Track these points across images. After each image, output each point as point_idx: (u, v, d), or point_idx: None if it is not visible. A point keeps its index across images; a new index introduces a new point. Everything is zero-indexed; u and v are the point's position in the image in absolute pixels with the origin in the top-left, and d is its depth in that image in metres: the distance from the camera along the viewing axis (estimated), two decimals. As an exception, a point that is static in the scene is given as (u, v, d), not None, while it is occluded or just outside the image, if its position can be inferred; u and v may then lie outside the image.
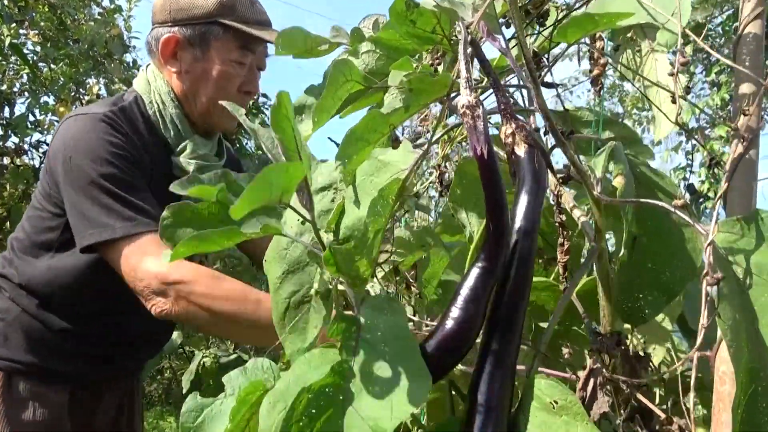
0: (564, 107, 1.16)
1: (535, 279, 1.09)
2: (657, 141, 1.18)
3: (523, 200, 0.78)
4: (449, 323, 0.75)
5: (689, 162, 9.06)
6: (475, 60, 0.78)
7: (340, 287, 0.93)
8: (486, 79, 0.82)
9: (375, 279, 1.37)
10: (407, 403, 0.69)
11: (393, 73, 0.86)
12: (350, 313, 0.86)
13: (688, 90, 0.87)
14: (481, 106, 0.73)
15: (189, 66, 1.75)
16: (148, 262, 1.51)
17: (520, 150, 0.78)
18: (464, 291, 0.76)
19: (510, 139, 0.78)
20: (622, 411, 0.87)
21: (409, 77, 0.79)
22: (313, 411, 0.71)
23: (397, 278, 1.24)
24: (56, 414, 1.73)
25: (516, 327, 0.75)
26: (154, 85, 1.78)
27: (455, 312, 0.75)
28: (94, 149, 1.60)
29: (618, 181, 0.89)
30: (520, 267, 0.76)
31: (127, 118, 1.71)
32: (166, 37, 1.74)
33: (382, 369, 0.74)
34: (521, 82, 0.83)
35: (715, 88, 8.42)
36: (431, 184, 1.49)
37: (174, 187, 0.92)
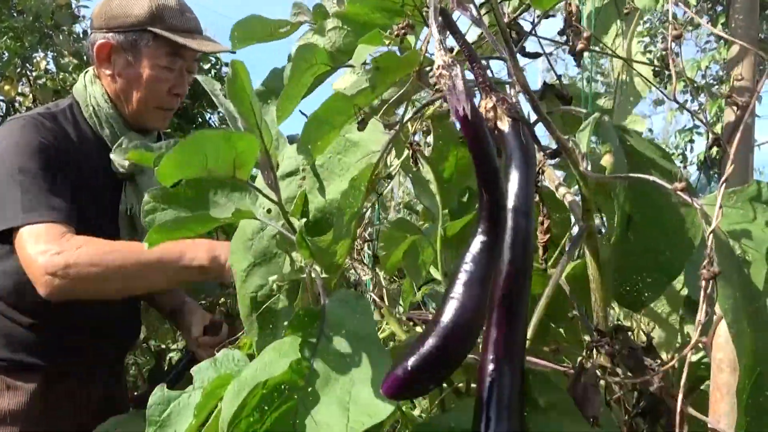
0: (556, 74, 1.17)
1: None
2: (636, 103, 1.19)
3: (515, 177, 0.76)
4: (452, 311, 0.68)
5: (695, 124, 9.10)
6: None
7: (313, 275, 0.94)
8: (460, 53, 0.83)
9: (353, 266, 1.39)
10: (366, 415, 0.69)
11: (360, 48, 0.87)
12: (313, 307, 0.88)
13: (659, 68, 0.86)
14: (457, 65, 0.71)
15: (121, 70, 2.04)
16: (39, 245, 1.77)
17: (504, 124, 0.77)
18: (465, 271, 0.70)
19: (491, 114, 0.77)
20: (628, 407, 0.88)
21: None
22: (266, 408, 0.73)
23: (377, 266, 1.26)
24: (28, 403, 1.96)
25: (521, 314, 0.73)
26: (90, 88, 2.07)
27: (458, 297, 0.69)
28: (19, 145, 1.89)
29: (606, 159, 0.90)
30: (519, 248, 0.73)
31: (58, 122, 2.01)
32: (100, 43, 2.03)
33: (343, 372, 0.75)
34: (498, 53, 0.84)
35: (723, 42, 8.42)
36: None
37: (114, 153, 1.02)
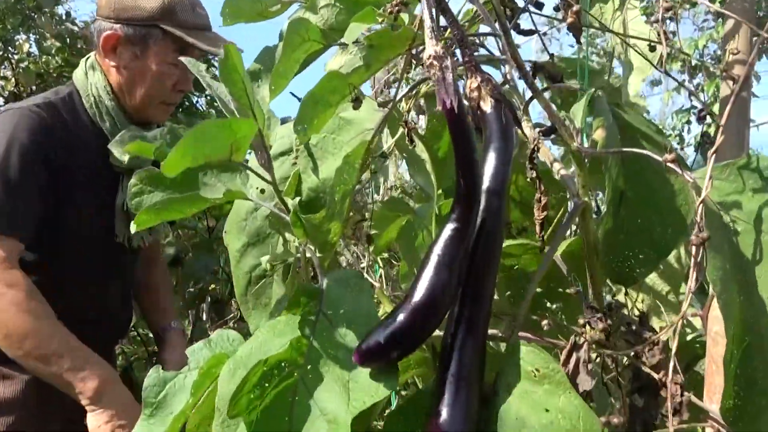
0: (549, 53, 1.18)
1: (514, 243, 1.13)
2: (634, 92, 1.21)
3: (491, 159, 0.80)
4: (421, 291, 0.76)
5: (693, 105, 9.07)
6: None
7: (308, 254, 0.96)
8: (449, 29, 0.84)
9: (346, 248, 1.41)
10: (367, 394, 0.72)
11: (352, 26, 0.88)
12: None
13: (666, 37, 0.87)
14: (448, 57, 0.75)
15: (127, 63, 2.03)
16: None
17: (487, 105, 0.80)
18: (435, 255, 0.77)
19: (475, 94, 0.80)
20: (625, 384, 0.90)
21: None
22: (266, 384, 0.75)
23: (370, 246, 1.27)
24: (24, 392, 1.97)
25: (486, 292, 0.78)
26: (91, 78, 2.06)
27: (427, 279, 0.76)
28: (6, 141, 1.85)
29: (598, 134, 0.92)
30: (489, 229, 0.78)
31: (56, 113, 1.98)
32: (108, 33, 2.01)
33: (342, 351, 0.78)
34: (492, 30, 0.85)
35: (720, 20, 8.39)
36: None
37: (112, 145, 1.03)
